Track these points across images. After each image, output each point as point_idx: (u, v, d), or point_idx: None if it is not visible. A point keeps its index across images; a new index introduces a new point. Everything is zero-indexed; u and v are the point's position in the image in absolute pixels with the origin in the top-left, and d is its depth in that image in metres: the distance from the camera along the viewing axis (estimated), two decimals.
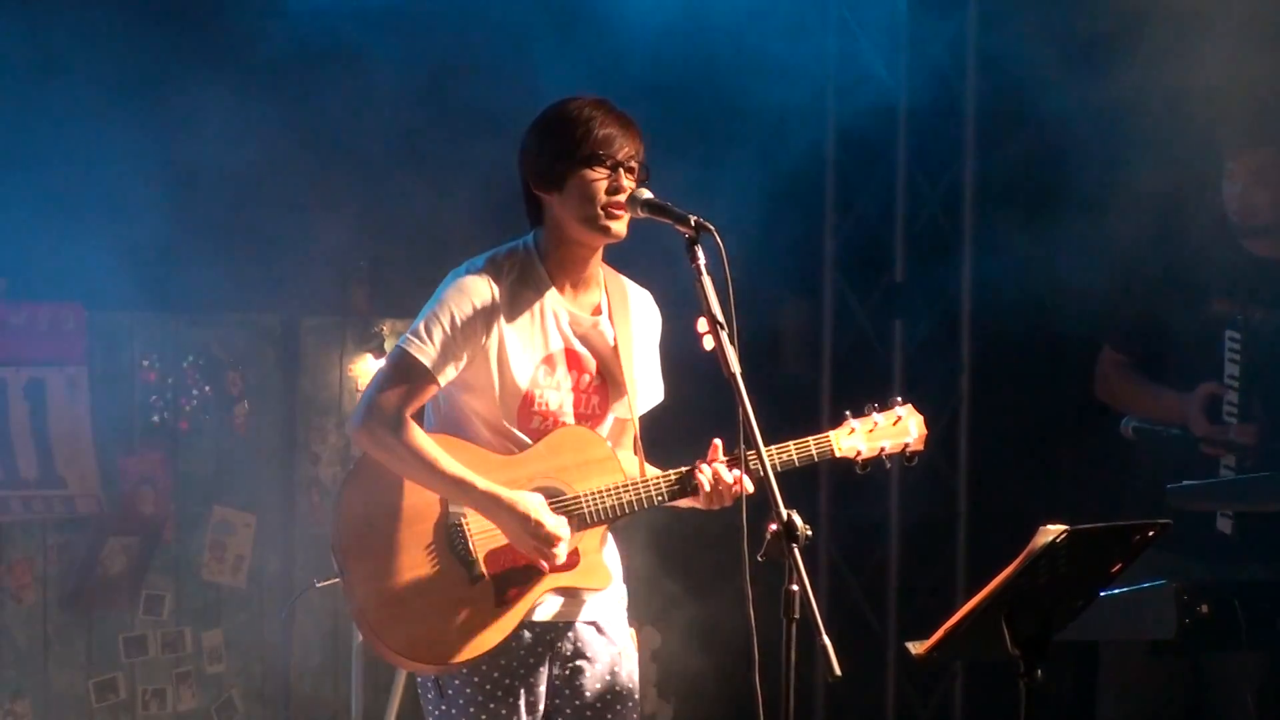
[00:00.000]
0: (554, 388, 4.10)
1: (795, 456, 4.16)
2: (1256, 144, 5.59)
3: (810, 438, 4.19)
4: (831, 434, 4.23)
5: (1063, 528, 3.81)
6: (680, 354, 4.27)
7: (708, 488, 4.08)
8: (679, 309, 4.25)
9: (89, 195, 6.38)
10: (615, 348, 4.16)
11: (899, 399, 4.34)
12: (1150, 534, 4.03)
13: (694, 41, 6.76)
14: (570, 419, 4.12)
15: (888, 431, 4.29)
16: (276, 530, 6.51)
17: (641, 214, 4.01)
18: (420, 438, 4.01)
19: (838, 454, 4.23)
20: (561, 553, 4.03)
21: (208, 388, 6.36)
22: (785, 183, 7.16)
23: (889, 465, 4.33)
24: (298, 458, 6.52)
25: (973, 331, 7.32)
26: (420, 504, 4.04)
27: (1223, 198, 5.63)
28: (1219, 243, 5.65)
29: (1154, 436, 5.51)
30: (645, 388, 4.24)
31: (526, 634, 4.10)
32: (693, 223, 3.86)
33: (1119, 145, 6.68)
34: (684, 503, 4.16)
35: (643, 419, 4.24)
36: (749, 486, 3.97)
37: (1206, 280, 5.61)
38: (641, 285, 4.29)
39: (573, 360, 4.13)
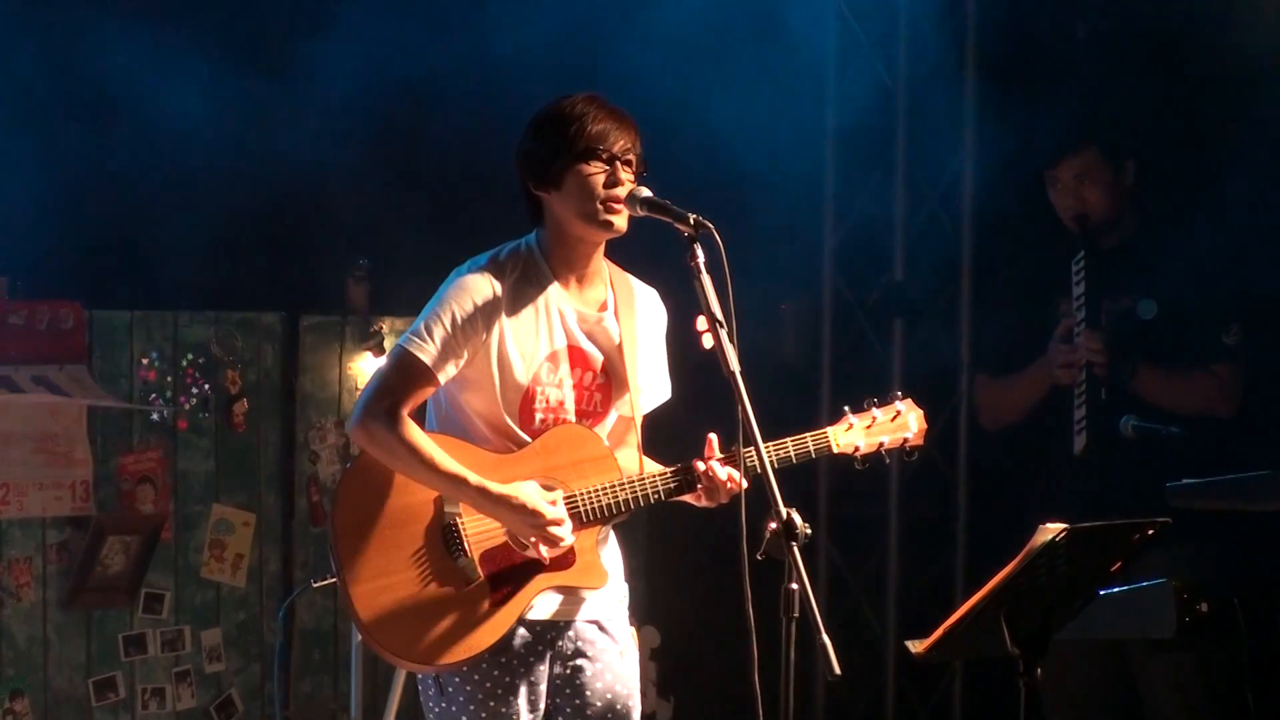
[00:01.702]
0: (556, 385, 4.10)
1: (793, 453, 4.16)
2: (1077, 148, 5.70)
3: (808, 434, 4.19)
4: (829, 430, 4.23)
5: (1062, 526, 3.81)
6: (684, 352, 4.27)
7: (704, 484, 4.08)
8: (679, 306, 4.25)
9: (87, 193, 6.38)
10: (620, 345, 4.15)
11: (899, 394, 4.34)
12: (1149, 532, 4.03)
13: (693, 38, 6.75)
14: (572, 416, 4.12)
15: (886, 427, 4.29)
16: (276, 529, 6.51)
17: (641, 212, 4.01)
18: (417, 435, 4.00)
19: (836, 450, 4.23)
20: (565, 533, 4.02)
21: (207, 386, 6.36)
22: (784, 180, 7.15)
23: (888, 461, 4.33)
24: (297, 456, 6.52)
25: (972, 330, 7.31)
26: (416, 504, 4.04)
27: (1055, 210, 5.77)
28: (1059, 249, 5.76)
29: (1153, 435, 5.52)
30: (650, 386, 4.23)
31: (525, 632, 4.09)
32: (692, 221, 3.86)
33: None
34: (682, 499, 4.16)
35: (647, 417, 4.24)
36: (743, 482, 3.98)
37: (1050, 285, 5.71)
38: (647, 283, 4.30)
39: (576, 357, 4.13)
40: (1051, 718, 5.75)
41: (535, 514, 4.00)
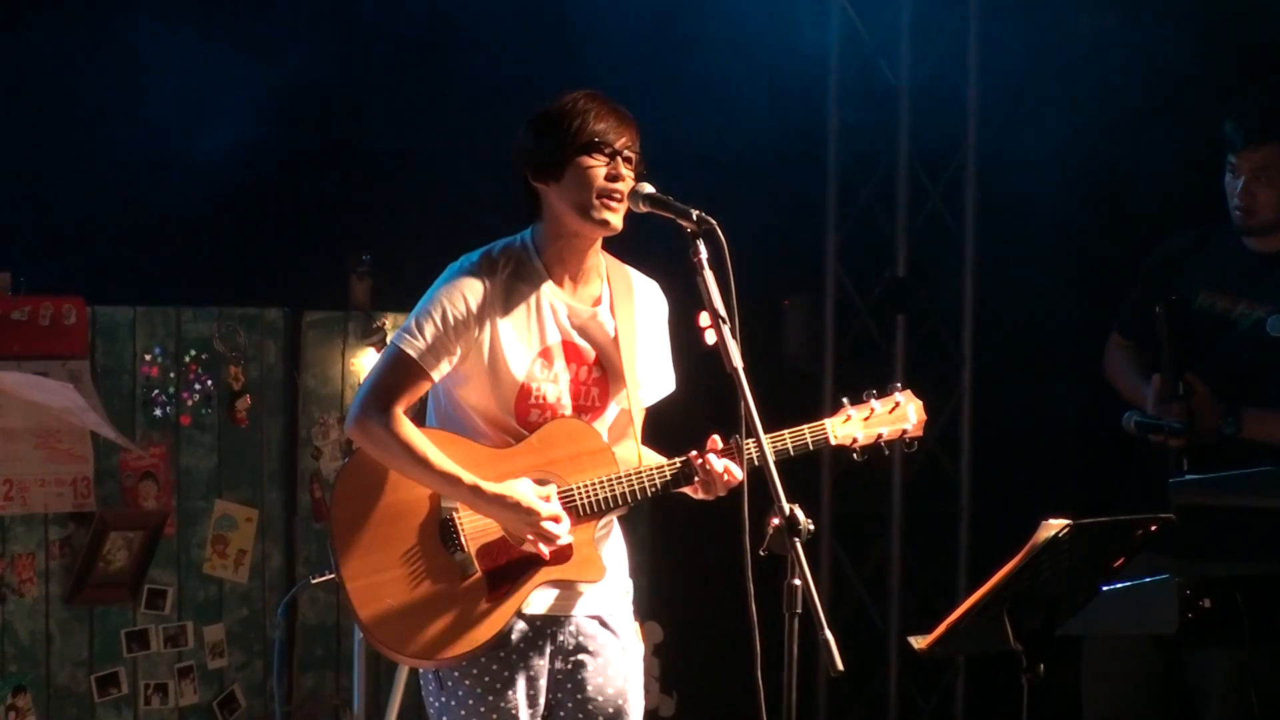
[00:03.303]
0: (552, 381, 4.10)
1: (791, 446, 4.15)
2: (1260, 141, 5.56)
3: (806, 426, 4.19)
4: (827, 422, 4.23)
5: (1065, 521, 3.81)
6: (687, 347, 4.27)
7: (701, 477, 4.08)
8: (682, 302, 4.25)
9: (91, 189, 6.38)
10: (616, 339, 4.15)
11: (898, 385, 4.33)
12: (1153, 528, 4.03)
13: (697, 35, 6.75)
14: (569, 411, 4.12)
15: (885, 419, 4.28)
16: (278, 525, 6.51)
17: (643, 208, 4.01)
18: (411, 432, 4.01)
19: (834, 442, 4.22)
20: (562, 530, 4.02)
21: (209, 382, 6.36)
22: (787, 177, 7.16)
23: (887, 452, 4.33)
24: (300, 452, 6.52)
25: (975, 326, 7.32)
26: (412, 499, 4.05)
27: (1225, 193, 5.62)
28: (1217, 235, 5.65)
29: (1156, 430, 5.49)
30: (652, 378, 4.23)
31: (525, 626, 4.10)
32: (695, 217, 3.87)
33: (1121, 137, 6.69)
34: (680, 491, 4.16)
35: (650, 411, 4.24)
36: (739, 474, 3.97)
37: (1199, 271, 5.61)
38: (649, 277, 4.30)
39: (571, 353, 4.13)
40: (1089, 711, 5.72)
41: (530, 511, 4.00)
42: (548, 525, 4.01)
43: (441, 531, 4.06)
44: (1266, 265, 5.56)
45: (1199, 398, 5.41)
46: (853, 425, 4.25)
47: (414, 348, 4.02)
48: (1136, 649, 5.49)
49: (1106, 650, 5.54)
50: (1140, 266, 5.77)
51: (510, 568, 4.06)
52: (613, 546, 4.22)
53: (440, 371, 4.04)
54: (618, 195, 4.02)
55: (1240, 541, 5.33)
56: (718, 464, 4.06)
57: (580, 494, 4.08)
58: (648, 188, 4.02)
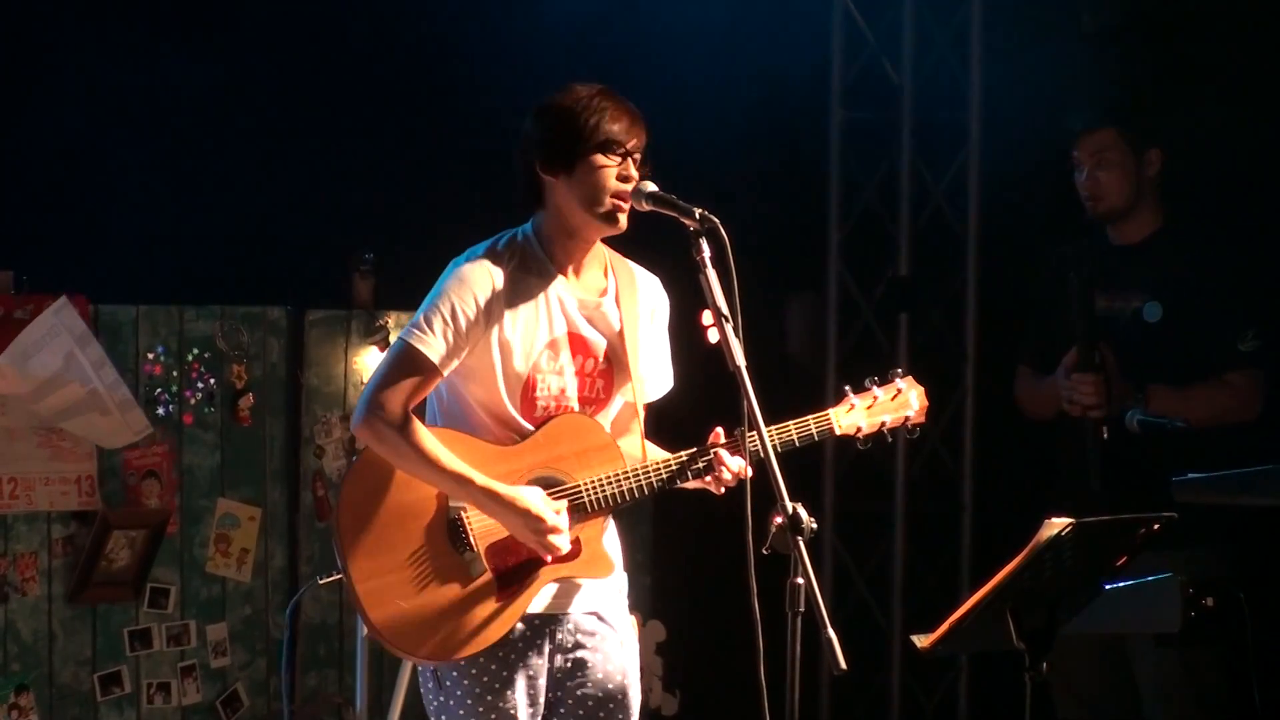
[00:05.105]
0: (557, 373, 4.10)
1: (795, 436, 4.16)
2: (1095, 126, 5.58)
3: (810, 416, 4.19)
4: (831, 412, 4.23)
5: (1068, 520, 3.81)
6: (689, 343, 4.27)
7: (715, 472, 4.08)
8: (684, 301, 4.25)
9: (93, 187, 6.38)
10: (621, 331, 4.15)
11: (899, 371, 4.34)
12: (1155, 527, 4.03)
13: (698, 33, 6.75)
14: (574, 403, 4.12)
15: (887, 406, 4.30)
16: (281, 524, 6.50)
17: (646, 206, 4.01)
18: (422, 434, 4.00)
19: (838, 432, 4.23)
20: (563, 543, 4.03)
21: (212, 380, 6.36)
22: (789, 176, 7.16)
23: (890, 440, 4.33)
24: (302, 451, 6.51)
25: (978, 325, 7.32)
26: (420, 499, 4.04)
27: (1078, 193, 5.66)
28: (1091, 237, 5.67)
29: (1158, 430, 5.49)
30: (654, 374, 4.24)
31: (523, 625, 4.10)
32: (698, 215, 3.86)
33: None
34: (690, 485, 4.16)
35: (652, 407, 4.24)
36: (749, 470, 3.98)
37: (1085, 275, 5.61)
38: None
39: (577, 344, 4.13)
40: (1061, 712, 5.74)
41: (538, 520, 4.00)
42: (551, 538, 4.01)
43: (450, 531, 4.05)
44: (1127, 258, 5.58)
45: (1110, 370, 5.43)
46: (856, 414, 4.26)
47: (424, 343, 4.01)
48: (1089, 650, 5.50)
49: (1063, 652, 5.55)
50: (1033, 287, 5.79)
51: (519, 567, 4.07)
52: (609, 540, 4.21)
53: (450, 368, 4.03)
54: (626, 196, 4.02)
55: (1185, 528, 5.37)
56: (732, 462, 4.07)
57: (588, 490, 4.08)
58: (650, 186, 4.02)
